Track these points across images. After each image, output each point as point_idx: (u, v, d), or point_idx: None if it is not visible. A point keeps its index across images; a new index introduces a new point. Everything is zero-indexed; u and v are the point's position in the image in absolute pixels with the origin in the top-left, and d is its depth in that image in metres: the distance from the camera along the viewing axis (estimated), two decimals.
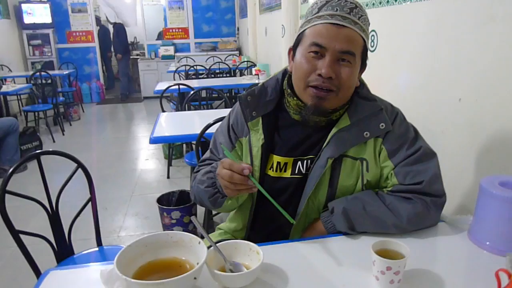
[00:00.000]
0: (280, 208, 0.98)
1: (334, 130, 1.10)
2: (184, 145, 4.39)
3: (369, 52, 1.11)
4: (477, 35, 1.43)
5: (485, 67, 1.40)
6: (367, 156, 1.11)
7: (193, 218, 0.99)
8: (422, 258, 0.97)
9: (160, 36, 8.95)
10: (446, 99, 1.63)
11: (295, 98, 1.12)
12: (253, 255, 0.92)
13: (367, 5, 2.32)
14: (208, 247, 0.88)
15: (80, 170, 1.64)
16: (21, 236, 1.46)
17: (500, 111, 1.35)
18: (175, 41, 8.70)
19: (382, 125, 1.09)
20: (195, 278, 0.81)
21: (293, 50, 1.13)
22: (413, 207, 1.05)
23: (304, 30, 1.07)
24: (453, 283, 0.88)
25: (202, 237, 0.93)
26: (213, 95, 4.96)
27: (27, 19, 7.52)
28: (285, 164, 1.16)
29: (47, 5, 7.69)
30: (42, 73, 5.58)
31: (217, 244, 0.92)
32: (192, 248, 0.90)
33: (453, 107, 1.59)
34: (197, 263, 0.83)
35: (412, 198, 1.06)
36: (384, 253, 0.86)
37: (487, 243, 1.00)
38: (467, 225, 1.09)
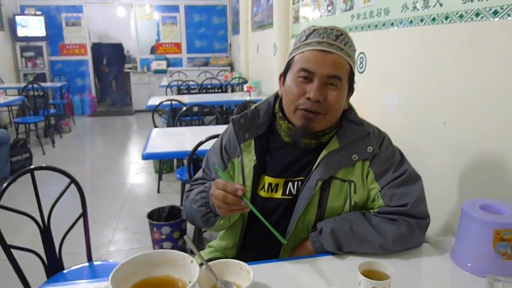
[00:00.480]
0: (271, 228, 1.01)
1: (324, 153, 1.15)
2: (175, 159, 4.41)
3: (358, 74, 1.17)
4: (461, 61, 1.50)
5: (468, 91, 1.47)
6: (355, 178, 1.15)
7: (185, 237, 1.02)
8: (406, 278, 1.01)
9: (153, 50, 9.03)
10: (432, 122, 1.69)
11: (286, 121, 1.17)
12: (243, 274, 0.94)
13: (356, 28, 2.40)
14: (200, 265, 0.91)
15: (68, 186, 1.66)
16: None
17: (482, 135, 1.41)
18: (168, 55, 8.77)
19: (370, 149, 1.14)
20: None
21: (283, 75, 1.19)
22: (398, 229, 1.09)
23: (294, 56, 1.13)
24: None
25: (192, 253, 0.96)
26: (205, 110, 5.01)
27: (21, 32, 7.54)
28: (276, 185, 1.20)
29: (41, 18, 7.73)
30: (34, 85, 5.58)
31: (208, 263, 0.94)
32: (184, 266, 0.93)
33: (438, 130, 1.65)
34: (189, 282, 0.85)
35: (397, 220, 1.10)
36: (370, 274, 0.89)
37: (469, 264, 1.04)
38: (450, 246, 1.13)
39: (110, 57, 8.91)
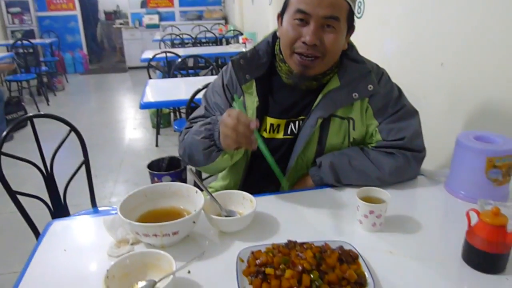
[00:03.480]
0: (275, 168, 1.03)
1: (324, 91, 1.15)
2: (172, 113, 4.40)
3: (356, 19, 1.14)
4: (458, 0, 1.48)
5: (466, 31, 1.46)
6: (354, 115, 1.17)
7: (188, 169, 1.04)
8: (402, 206, 1.05)
9: (143, 4, 8.73)
10: (429, 63, 1.69)
11: (286, 64, 1.15)
12: (246, 204, 0.98)
13: None
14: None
15: (71, 134, 1.67)
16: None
17: (479, 74, 1.42)
18: (160, 9, 8.51)
19: (370, 87, 1.14)
20: (194, 222, 0.87)
21: (280, 16, 1.15)
22: (395, 161, 1.13)
23: None
24: (429, 226, 0.97)
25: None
26: (200, 64, 4.94)
27: None
28: (278, 125, 1.21)
29: None
30: (24, 41, 5.44)
31: (212, 194, 0.98)
32: (189, 197, 0.96)
33: (436, 71, 1.65)
34: (195, 211, 0.89)
35: (394, 153, 1.14)
36: (367, 199, 0.93)
37: (462, 192, 1.08)
38: (444, 177, 1.17)
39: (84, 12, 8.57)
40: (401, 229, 0.95)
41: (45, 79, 6.14)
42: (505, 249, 0.78)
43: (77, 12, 8.18)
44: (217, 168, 1.23)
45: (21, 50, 5.55)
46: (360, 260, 0.80)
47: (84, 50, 8.46)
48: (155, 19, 8.24)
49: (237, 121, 0.95)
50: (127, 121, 4.92)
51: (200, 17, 8.40)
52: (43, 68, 6.21)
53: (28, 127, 1.59)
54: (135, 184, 3.17)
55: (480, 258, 0.80)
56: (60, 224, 1.01)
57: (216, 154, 1.09)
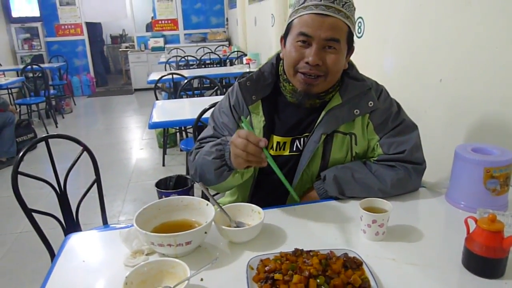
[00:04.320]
0: (287, 185, 1.07)
1: (327, 108, 1.21)
2: (178, 133, 4.48)
3: (356, 39, 1.21)
4: (455, 19, 1.55)
5: (463, 49, 1.52)
6: (356, 131, 1.22)
7: (200, 184, 1.09)
8: (404, 217, 1.09)
9: (148, 28, 8.97)
10: (429, 80, 1.76)
11: (290, 84, 1.21)
12: (255, 216, 1.03)
13: None
14: None
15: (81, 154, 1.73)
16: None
17: (476, 89, 1.47)
18: (165, 32, 8.72)
19: (371, 103, 1.20)
20: (205, 233, 0.92)
21: (284, 38, 1.23)
22: (396, 174, 1.17)
23: (292, 20, 1.16)
24: (430, 235, 1.00)
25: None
26: (205, 84, 5.04)
27: (15, 13, 7.48)
28: (284, 143, 1.26)
29: None
30: (33, 66, 5.59)
31: (222, 207, 1.02)
32: (201, 210, 1.01)
33: (435, 87, 1.71)
34: (206, 222, 0.94)
35: (395, 166, 1.19)
36: (370, 210, 0.98)
37: (462, 203, 1.12)
38: (445, 189, 1.21)
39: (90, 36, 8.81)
40: (404, 238, 0.99)
41: (53, 102, 6.28)
42: (502, 254, 0.82)
43: (85, 37, 8.40)
44: (227, 186, 1.28)
45: (30, 75, 5.70)
46: (364, 266, 0.84)
47: (91, 74, 8.64)
48: (160, 42, 8.44)
49: (247, 141, 1.00)
50: (134, 141, 5.00)
51: (204, 39, 8.59)
52: (52, 91, 6.36)
53: (36, 150, 1.67)
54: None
55: (479, 263, 0.83)
56: (77, 237, 1.06)
57: (227, 173, 1.15)
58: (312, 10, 1.09)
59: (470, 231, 0.87)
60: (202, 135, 1.36)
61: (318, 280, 0.76)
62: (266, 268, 0.81)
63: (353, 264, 0.83)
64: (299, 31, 1.12)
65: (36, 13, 7.71)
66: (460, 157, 1.11)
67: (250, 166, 1.08)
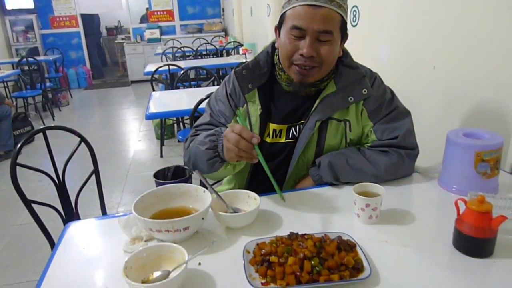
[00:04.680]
0: (275, 185, 1.11)
1: (321, 96, 1.22)
2: (175, 124, 4.49)
3: (351, 28, 1.22)
4: (449, 7, 1.56)
5: (457, 37, 1.54)
6: (350, 118, 1.24)
7: (196, 171, 1.11)
8: (398, 201, 1.11)
9: (143, 19, 8.91)
10: (422, 67, 1.77)
11: (285, 73, 1.23)
12: (251, 202, 1.05)
13: None
14: None
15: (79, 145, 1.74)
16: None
17: (469, 77, 1.49)
18: (160, 23, 8.68)
19: (365, 91, 1.22)
20: (202, 218, 0.94)
21: (278, 28, 1.23)
22: (390, 159, 1.19)
23: (285, 11, 1.16)
24: (422, 218, 1.03)
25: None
26: (201, 75, 5.04)
27: (9, 5, 7.43)
28: (280, 130, 1.28)
29: None
30: (29, 59, 5.57)
31: (219, 193, 1.04)
32: (198, 197, 1.03)
33: (429, 74, 1.73)
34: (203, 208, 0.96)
35: (389, 151, 1.21)
36: (364, 194, 1.00)
37: (454, 187, 1.15)
38: (437, 173, 1.23)
39: (86, 29, 8.76)
40: (396, 221, 1.01)
41: (50, 95, 6.26)
42: (491, 234, 0.84)
43: (80, 29, 8.36)
44: (220, 176, 1.31)
45: (26, 67, 5.68)
46: (358, 248, 0.86)
47: (87, 66, 8.61)
48: (156, 33, 8.40)
49: (240, 137, 1.02)
50: (131, 133, 5.01)
51: (200, 30, 8.55)
52: (48, 84, 6.35)
53: (34, 142, 1.68)
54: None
55: (469, 243, 0.86)
56: (76, 225, 1.08)
57: (219, 164, 1.17)
58: (305, 1, 1.09)
59: (460, 212, 0.89)
60: (198, 122, 1.37)
61: (312, 262, 0.79)
62: (262, 252, 0.84)
63: (347, 246, 0.85)
64: (292, 24, 1.12)
65: (31, 5, 7.66)
66: (451, 142, 1.13)
67: (241, 159, 1.09)
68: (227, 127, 1.28)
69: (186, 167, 2.68)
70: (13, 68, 6.19)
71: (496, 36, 1.34)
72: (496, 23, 1.34)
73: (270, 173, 1.11)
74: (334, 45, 1.15)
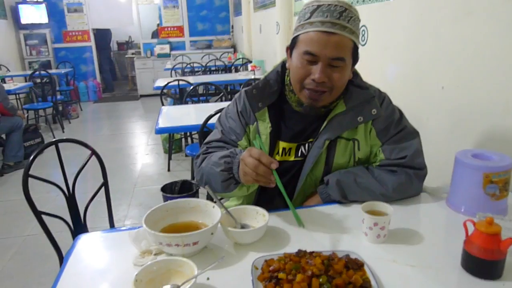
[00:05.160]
0: (292, 209, 1.10)
1: (331, 115, 1.24)
2: (183, 139, 4.52)
3: (360, 46, 1.24)
4: (456, 28, 1.59)
5: (465, 57, 1.56)
6: (358, 137, 1.25)
7: (207, 187, 1.13)
8: (406, 220, 1.12)
9: (154, 35, 9.06)
10: (431, 87, 1.79)
11: (295, 95, 1.24)
12: (259, 218, 1.06)
13: (357, 2, 2.47)
14: None
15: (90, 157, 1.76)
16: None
17: (477, 97, 1.50)
18: (170, 39, 8.81)
19: (374, 111, 1.23)
20: (212, 234, 0.95)
21: (290, 49, 1.24)
22: (398, 178, 1.20)
23: (298, 35, 1.17)
24: (431, 238, 1.03)
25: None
26: (210, 91, 5.10)
27: (24, 20, 7.60)
28: (290, 149, 1.29)
29: (43, 5, 7.77)
30: (41, 72, 5.67)
31: (228, 209, 1.06)
32: (207, 212, 1.05)
33: (437, 94, 1.74)
34: (212, 223, 0.97)
35: (397, 171, 1.21)
36: (372, 213, 1.01)
37: (462, 207, 1.15)
38: (446, 194, 1.24)
39: (98, 43, 8.93)
40: (404, 241, 1.01)
41: (60, 107, 6.35)
42: (500, 256, 0.84)
43: (91, 43, 8.51)
44: (232, 196, 1.32)
45: (38, 80, 5.78)
46: (365, 267, 0.86)
47: (98, 79, 8.74)
48: (166, 48, 8.53)
49: (258, 162, 1.03)
50: (139, 147, 5.05)
51: (209, 46, 8.67)
52: (59, 97, 6.44)
53: (43, 154, 1.69)
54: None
55: (477, 264, 0.86)
56: (87, 238, 1.10)
57: (233, 186, 1.17)
58: (318, 27, 1.10)
59: (469, 234, 0.89)
60: (209, 138, 1.38)
61: (320, 280, 0.79)
62: (271, 268, 0.84)
63: (355, 264, 0.86)
64: (305, 49, 1.13)
65: (45, 20, 7.82)
66: (460, 163, 1.14)
67: (259, 183, 1.09)
68: (238, 144, 1.30)
69: (193, 181, 2.71)
70: (26, 81, 6.30)
71: (504, 56, 1.36)
72: (504, 43, 1.36)
73: (286, 194, 1.10)
74: (346, 71, 1.17)
